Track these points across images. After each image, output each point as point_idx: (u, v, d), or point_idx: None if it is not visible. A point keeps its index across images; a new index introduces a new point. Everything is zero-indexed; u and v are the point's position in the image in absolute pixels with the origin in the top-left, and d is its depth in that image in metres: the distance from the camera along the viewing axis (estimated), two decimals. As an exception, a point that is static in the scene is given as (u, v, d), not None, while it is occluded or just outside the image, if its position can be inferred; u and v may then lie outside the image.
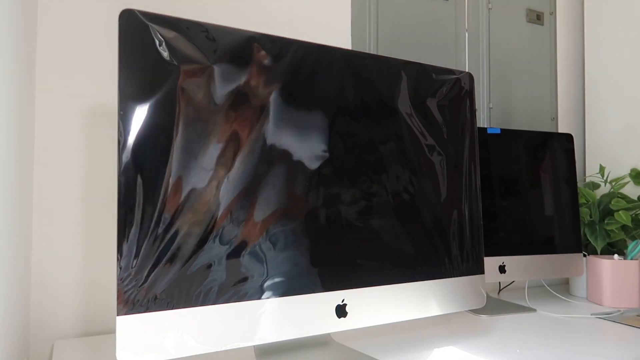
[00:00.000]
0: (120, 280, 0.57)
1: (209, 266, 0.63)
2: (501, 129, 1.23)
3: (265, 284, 0.67)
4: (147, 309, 0.58)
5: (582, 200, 1.35)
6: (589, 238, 1.31)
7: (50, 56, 0.93)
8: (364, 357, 0.76)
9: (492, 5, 1.47)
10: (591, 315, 1.11)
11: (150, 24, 0.62)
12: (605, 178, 1.42)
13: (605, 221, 1.30)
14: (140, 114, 0.60)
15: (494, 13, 1.47)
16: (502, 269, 1.17)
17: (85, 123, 0.96)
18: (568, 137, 1.31)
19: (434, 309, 0.82)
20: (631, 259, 1.23)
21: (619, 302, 1.20)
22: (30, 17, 0.86)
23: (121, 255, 0.57)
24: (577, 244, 1.26)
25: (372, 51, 1.27)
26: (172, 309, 0.60)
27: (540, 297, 1.31)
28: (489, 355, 0.81)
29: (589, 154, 1.60)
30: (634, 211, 1.31)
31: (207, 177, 0.64)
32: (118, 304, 0.57)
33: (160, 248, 0.60)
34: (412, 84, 0.84)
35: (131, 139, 0.59)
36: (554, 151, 1.28)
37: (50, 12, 0.93)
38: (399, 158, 0.81)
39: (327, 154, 0.74)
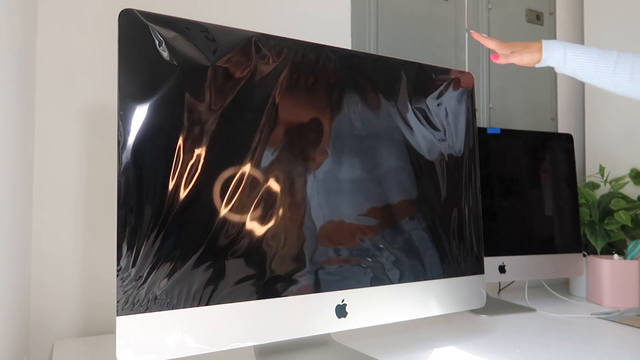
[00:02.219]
0: (120, 280, 0.57)
1: (209, 266, 0.63)
2: (501, 129, 1.23)
3: (265, 284, 0.67)
4: (147, 309, 0.58)
5: (582, 200, 1.35)
6: (589, 238, 1.31)
7: (50, 56, 0.93)
8: (364, 357, 0.76)
9: (492, 5, 1.47)
10: (591, 315, 1.11)
11: (150, 24, 0.62)
12: (605, 178, 1.42)
13: (605, 221, 1.30)
14: (140, 114, 0.60)
15: (494, 13, 1.47)
16: (502, 269, 1.17)
17: (85, 123, 0.96)
18: (568, 137, 1.31)
19: (434, 309, 0.82)
20: (631, 259, 1.23)
21: (619, 302, 1.20)
22: (30, 17, 0.86)
23: (121, 255, 0.57)
24: (577, 244, 1.26)
25: (372, 51, 1.27)
26: (172, 309, 0.60)
27: (540, 297, 1.32)
28: (489, 355, 0.81)
29: (589, 154, 1.60)
30: (634, 211, 1.31)
31: (207, 177, 0.64)
32: (118, 304, 0.57)
33: (160, 248, 0.60)
34: (411, 84, 0.84)
35: (131, 139, 0.59)
36: (554, 151, 1.28)
37: (50, 12, 0.93)
38: (398, 158, 0.81)
39: (326, 154, 0.74)
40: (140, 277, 0.58)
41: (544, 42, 0.90)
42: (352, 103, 0.77)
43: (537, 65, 0.92)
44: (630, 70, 0.85)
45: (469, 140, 0.91)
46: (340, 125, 0.75)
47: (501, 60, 0.90)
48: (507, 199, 1.21)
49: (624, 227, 1.32)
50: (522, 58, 0.89)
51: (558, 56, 0.89)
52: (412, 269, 0.80)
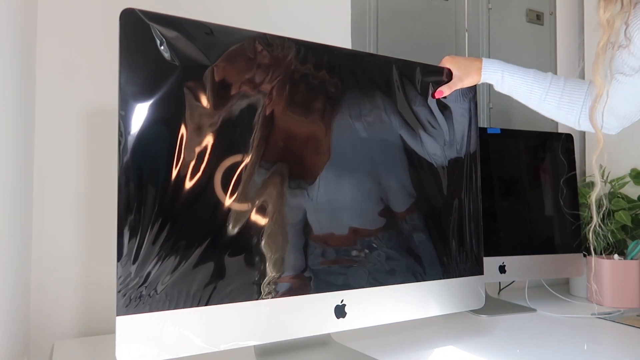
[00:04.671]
0: (121, 280, 0.57)
1: (209, 266, 0.63)
2: (501, 129, 1.23)
3: (265, 284, 0.67)
4: (147, 308, 0.58)
5: (582, 200, 1.35)
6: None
7: (50, 56, 0.93)
8: (364, 357, 0.76)
9: (492, 5, 1.47)
10: (591, 315, 1.11)
11: (151, 23, 0.62)
12: (605, 178, 1.42)
13: (605, 221, 1.29)
14: (140, 114, 0.60)
15: (494, 13, 1.47)
16: (502, 269, 1.17)
17: (85, 123, 0.96)
18: (568, 137, 1.31)
19: (433, 309, 0.82)
20: (631, 259, 1.23)
21: (619, 302, 1.20)
22: (30, 17, 0.86)
23: (121, 255, 0.57)
24: (577, 244, 1.26)
25: (372, 51, 1.27)
26: (172, 309, 0.60)
27: (540, 297, 1.31)
28: (489, 355, 0.81)
29: (589, 154, 1.60)
30: (634, 211, 1.31)
31: (207, 177, 0.63)
32: (118, 304, 0.57)
33: (161, 248, 0.60)
34: (412, 83, 0.84)
35: (131, 139, 0.59)
36: (554, 151, 1.28)
37: (50, 12, 0.93)
38: (399, 158, 0.81)
39: (327, 155, 0.74)
40: (140, 276, 0.58)
41: (483, 62, 0.91)
42: (352, 102, 0.77)
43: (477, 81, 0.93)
44: (559, 99, 0.89)
45: (469, 140, 0.91)
46: (341, 125, 0.75)
47: (445, 92, 0.88)
48: (507, 199, 1.21)
49: (624, 227, 1.32)
50: (464, 83, 0.90)
51: (496, 77, 0.91)
52: (412, 270, 0.80)
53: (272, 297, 0.67)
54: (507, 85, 0.91)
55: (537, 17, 1.56)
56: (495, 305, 1.18)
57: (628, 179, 1.42)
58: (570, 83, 0.90)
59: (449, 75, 0.90)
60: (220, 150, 0.65)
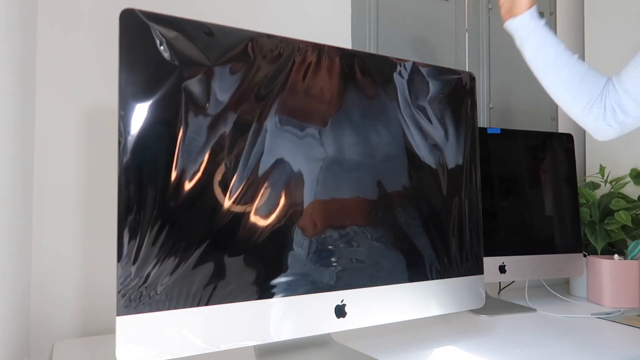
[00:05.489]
0: (120, 280, 0.57)
1: (209, 266, 0.63)
2: (501, 129, 1.23)
3: (265, 284, 0.67)
4: (147, 309, 0.58)
5: (582, 200, 1.35)
6: (589, 238, 1.31)
7: (50, 56, 0.93)
8: (364, 357, 0.76)
9: (492, 5, 1.47)
10: (591, 315, 1.11)
11: (151, 23, 0.62)
12: (605, 178, 1.42)
13: (606, 221, 1.29)
14: (140, 115, 0.60)
15: (494, 13, 1.47)
16: (502, 269, 1.17)
17: (85, 123, 0.96)
18: (568, 137, 1.31)
19: (433, 309, 0.82)
20: (631, 259, 1.23)
21: (619, 302, 1.20)
22: (30, 16, 0.86)
23: (121, 256, 0.57)
24: (577, 244, 1.26)
25: (372, 51, 1.27)
26: (172, 309, 0.60)
27: (540, 297, 1.31)
28: (489, 355, 0.81)
29: (589, 154, 1.60)
30: (634, 211, 1.31)
31: (207, 177, 0.63)
32: (118, 304, 0.57)
33: (161, 248, 0.60)
34: (412, 83, 0.84)
35: (131, 139, 0.59)
36: (554, 151, 1.28)
37: (50, 12, 0.93)
38: (399, 158, 0.81)
39: (326, 154, 0.74)
40: (140, 277, 0.58)
41: (533, 7, 0.90)
42: (352, 104, 0.77)
43: (508, 22, 0.91)
44: (584, 74, 0.87)
45: (469, 140, 0.91)
46: (341, 126, 0.75)
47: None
48: (507, 199, 1.21)
49: (624, 227, 1.32)
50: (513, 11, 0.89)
51: (536, 24, 0.88)
52: (412, 269, 0.80)
53: (272, 297, 0.67)
54: (540, 38, 0.88)
55: (537, 17, 1.56)
56: (495, 305, 1.18)
57: (628, 179, 1.42)
58: (593, 71, 0.89)
59: (449, 72, 0.90)
60: (220, 151, 0.65)
